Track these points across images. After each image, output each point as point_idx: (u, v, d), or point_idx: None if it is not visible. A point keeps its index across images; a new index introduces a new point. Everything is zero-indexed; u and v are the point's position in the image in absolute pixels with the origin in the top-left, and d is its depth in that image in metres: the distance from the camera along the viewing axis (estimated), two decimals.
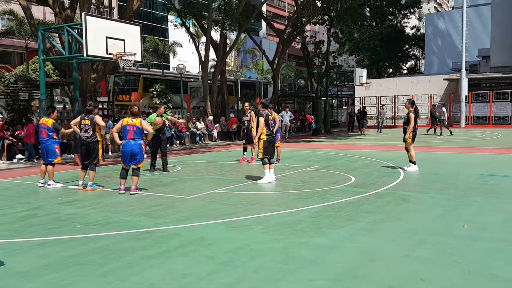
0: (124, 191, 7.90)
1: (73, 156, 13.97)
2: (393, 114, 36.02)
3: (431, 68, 53.29)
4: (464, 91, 30.82)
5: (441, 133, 23.35)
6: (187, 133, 20.78)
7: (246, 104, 13.06)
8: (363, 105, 33.53)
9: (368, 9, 48.30)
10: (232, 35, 32.41)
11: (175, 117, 11.59)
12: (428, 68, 53.95)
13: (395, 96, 35.91)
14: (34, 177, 10.31)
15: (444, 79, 34.91)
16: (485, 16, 45.81)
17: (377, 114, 36.78)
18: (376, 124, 30.66)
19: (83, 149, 8.60)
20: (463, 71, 30.86)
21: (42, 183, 8.97)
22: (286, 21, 33.40)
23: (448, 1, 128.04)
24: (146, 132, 8.07)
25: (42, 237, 5.29)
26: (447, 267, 4.00)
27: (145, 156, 8.44)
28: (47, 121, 8.95)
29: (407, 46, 54.05)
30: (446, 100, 33.23)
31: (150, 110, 22.03)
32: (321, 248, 4.60)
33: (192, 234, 5.19)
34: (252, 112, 12.78)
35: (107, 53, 11.48)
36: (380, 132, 27.05)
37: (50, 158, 8.86)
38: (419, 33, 55.69)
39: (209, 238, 5.03)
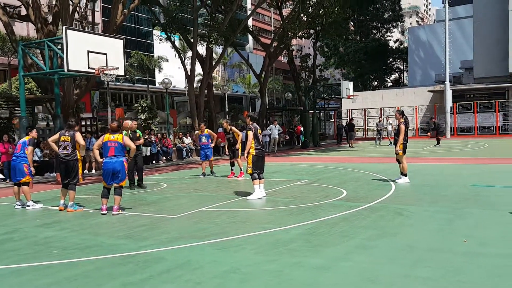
0: (106, 211, 7.51)
1: (55, 174, 13.50)
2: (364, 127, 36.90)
3: (414, 80, 53.93)
4: (449, 102, 31.08)
5: (379, 143, 25.53)
6: (174, 148, 20.41)
7: (224, 122, 12.91)
8: (350, 117, 33.58)
9: (352, 23, 48.81)
10: (219, 49, 32.31)
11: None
12: (412, 80, 54.60)
13: (381, 108, 36.09)
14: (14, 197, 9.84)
15: (428, 91, 35.25)
16: (466, 29, 46.64)
17: (365, 126, 36.98)
18: (374, 136, 29.71)
19: (62, 167, 8.16)
20: (447, 82, 31.17)
21: (18, 205, 8.53)
22: (272, 35, 33.44)
23: (429, 15, 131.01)
24: (129, 148, 7.74)
25: (17, 264, 4.90)
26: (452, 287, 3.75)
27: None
28: (25, 137, 8.61)
29: (391, 59, 54.71)
30: (431, 111, 33.49)
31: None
32: (316, 269, 4.32)
33: (178, 258, 4.86)
34: (233, 127, 12.58)
35: (88, 68, 11.18)
36: (379, 144, 25.56)
37: (18, 177, 8.43)
38: (402, 46, 56.49)
39: (195, 261, 4.70)
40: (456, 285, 3.80)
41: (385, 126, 25.70)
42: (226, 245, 5.32)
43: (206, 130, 13.17)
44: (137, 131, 10.97)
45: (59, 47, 12.02)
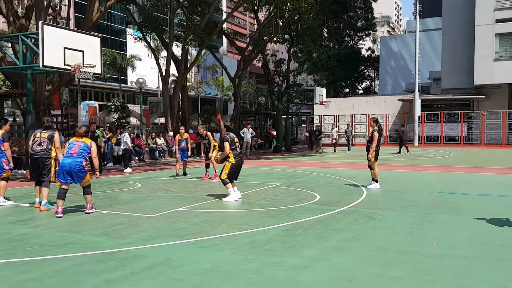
0: (62, 215, 7.04)
1: (24, 172, 13.19)
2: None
3: (385, 88, 55.37)
4: (417, 111, 32.10)
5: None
6: (146, 149, 20.24)
7: (200, 128, 12.95)
8: (317, 124, 34.22)
9: (326, 30, 49.60)
10: (194, 51, 32.22)
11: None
12: (382, 89, 56.02)
13: (352, 115, 36.86)
14: None
15: (398, 100, 36.26)
16: (435, 41, 48.32)
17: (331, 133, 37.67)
18: (342, 143, 30.26)
19: (33, 163, 7.98)
20: (416, 92, 32.19)
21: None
22: (248, 39, 33.65)
23: (400, 26, 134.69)
24: (90, 154, 7.40)
25: None
26: (423, 287, 3.97)
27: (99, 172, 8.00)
28: None
29: (362, 67, 55.87)
30: (400, 119, 34.49)
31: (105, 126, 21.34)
32: (295, 268, 4.47)
33: (158, 255, 4.92)
34: (209, 133, 12.62)
35: (64, 64, 11.01)
36: (349, 150, 26.27)
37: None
38: (373, 55, 57.80)
39: (176, 259, 4.78)
40: (426, 284, 4.03)
41: (344, 132, 26.58)
42: (205, 244, 5.41)
43: (185, 134, 13.16)
44: (97, 131, 10.99)
45: (34, 42, 11.78)
